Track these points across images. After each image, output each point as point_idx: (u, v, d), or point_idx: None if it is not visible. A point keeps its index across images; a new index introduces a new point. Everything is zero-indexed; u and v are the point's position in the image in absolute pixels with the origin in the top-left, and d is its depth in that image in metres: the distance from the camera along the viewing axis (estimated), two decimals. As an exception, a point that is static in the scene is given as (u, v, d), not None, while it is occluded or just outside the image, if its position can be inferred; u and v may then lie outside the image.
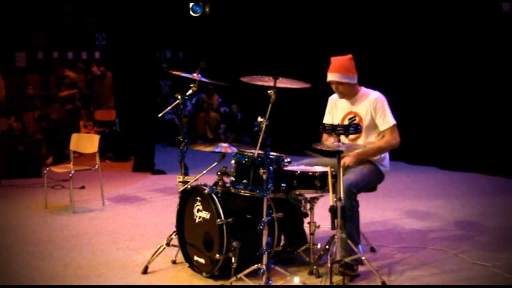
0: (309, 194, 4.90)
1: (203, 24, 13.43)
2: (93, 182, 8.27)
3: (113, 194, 8.07)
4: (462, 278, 4.77)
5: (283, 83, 4.53)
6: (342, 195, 4.39)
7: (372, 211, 6.95)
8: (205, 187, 4.79)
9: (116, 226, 6.48)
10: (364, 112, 5.06)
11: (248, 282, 4.44)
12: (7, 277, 4.92)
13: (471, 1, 9.60)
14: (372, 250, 5.48)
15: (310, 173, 4.72)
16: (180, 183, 5.08)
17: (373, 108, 5.01)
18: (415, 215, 6.93)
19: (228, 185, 4.84)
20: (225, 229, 4.56)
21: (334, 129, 4.46)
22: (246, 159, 4.61)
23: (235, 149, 4.83)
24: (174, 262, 5.15)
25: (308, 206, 5.01)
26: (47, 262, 5.26)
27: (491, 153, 9.50)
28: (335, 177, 4.57)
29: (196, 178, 5.01)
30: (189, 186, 4.97)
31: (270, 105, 4.32)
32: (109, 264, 5.19)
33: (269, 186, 4.35)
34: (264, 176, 4.32)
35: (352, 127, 4.43)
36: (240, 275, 4.45)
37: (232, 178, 4.72)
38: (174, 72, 5.34)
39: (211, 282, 4.72)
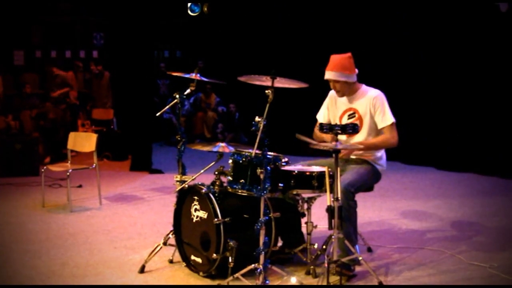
0: (306, 194, 4.90)
1: (201, 24, 13.41)
2: (91, 181, 8.26)
3: (111, 193, 8.07)
4: (459, 279, 4.78)
5: (281, 83, 4.53)
6: (339, 195, 4.40)
7: (369, 211, 6.96)
8: (202, 187, 4.79)
9: (113, 225, 6.48)
10: (363, 109, 5.06)
11: (245, 281, 4.44)
12: (4, 275, 4.91)
13: (470, 1, 9.60)
14: (369, 250, 5.48)
15: (308, 173, 4.72)
16: (178, 183, 5.07)
17: (373, 106, 5.01)
18: (412, 215, 6.94)
19: (225, 184, 4.84)
20: (222, 228, 4.56)
21: (331, 129, 4.46)
22: (244, 159, 4.62)
23: (232, 149, 4.83)
24: (171, 261, 5.15)
25: (306, 206, 5.01)
26: (44, 260, 5.26)
27: (488, 153, 9.50)
28: (332, 177, 4.57)
29: (193, 178, 5.01)
30: (186, 186, 4.97)
31: (268, 105, 4.32)
32: (106, 263, 5.19)
33: (266, 186, 4.35)
34: (262, 176, 4.32)
35: (350, 127, 4.43)
36: (237, 274, 4.45)
37: (230, 178, 4.73)
38: (173, 73, 5.35)
39: (208, 281, 4.72)
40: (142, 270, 4.93)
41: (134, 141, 10.19)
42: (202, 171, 5.02)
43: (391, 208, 7.22)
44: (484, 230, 6.29)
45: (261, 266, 4.35)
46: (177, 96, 5.09)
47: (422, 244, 5.73)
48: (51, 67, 11.95)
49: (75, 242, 5.81)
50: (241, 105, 12.74)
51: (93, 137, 7.40)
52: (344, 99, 5.18)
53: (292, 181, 4.70)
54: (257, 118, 4.27)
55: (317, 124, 5.27)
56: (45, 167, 7.46)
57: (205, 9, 12.45)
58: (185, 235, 4.99)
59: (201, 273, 4.78)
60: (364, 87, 5.15)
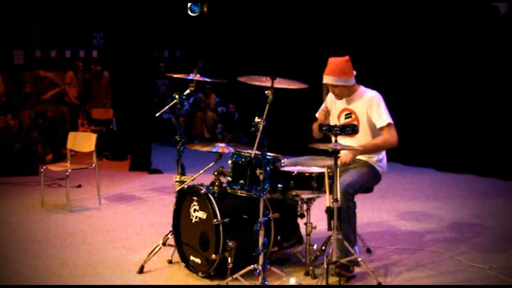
0: (305, 195, 4.90)
1: (201, 24, 13.42)
2: (90, 180, 8.26)
3: (110, 193, 8.07)
4: (459, 280, 4.78)
5: (280, 83, 4.53)
6: (338, 196, 4.39)
7: (369, 212, 6.96)
8: (201, 187, 4.78)
9: (112, 225, 6.48)
10: (360, 110, 5.06)
11: (244, 282, 4.44)
12: (3, 275, 4.90)
13: (470, 2, 9.60)
14: (368, 251, 5.48)
15: (307, 174, 4.72)
16: (177, 183, 5.07)
17: (369, 107, 5.01)
18: (412, 216, 6.94)
19: (224, 185, 4.84)
20: (222, 229, 4.56)
21: (330, 130, 4.45)
22: (243, 159, 4.62)
23: (232, 149, 4.83)
24: (170, 261, 5.15)
25: (305, 206, 5.01)
26: (43, 260, 5.25)
27: (488, 154, 9.51)
28: (331, 178, 4.57)
29: (193, 178, 5.01)
30: (185, 186, 4.96)
31: (267, 105, 4.32)
32: (105, 263, 5.18)
33: (265, 187, 4.35)
34: (261, 177, 4.32)
35: (349, 127, 4.43)
36: (236, 275, 4.45)
37: (229, 178, 4.73)
38: (173, 75, 5.35)
39: (207, 282, 4.72)
40: (141, 270, 4.93)
41: (133, 141, 10.19)
42: (201, 171, 5.02)
43: (390, 209, 7.22)
44: (484, 231, 6.29)
45: (260, 267, 4.34)
46: (177, 96, 5.08)
47: (421, 245, 5.73)
48: (36, 69, 11.87)
49: (74, 242, 5.81)
50: (241, 106, 12.74)
51: (93, 137, 7.39)
52: (342, 99, 5.18)
53: (292, 182, 4.70)
54: (256, 119, 4.27)
55: (317, 122, 5.28)
56: (44, 167, 7.45)
57: (205, 9, 12.46)
58: (184, 236, 4.98)
59: (200, 274, 4.77)
60: (361, 88, 5.15)
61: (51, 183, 8.47)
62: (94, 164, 7.36)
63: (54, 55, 15.00)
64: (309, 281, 4.75)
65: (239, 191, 4.64)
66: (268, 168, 4.42)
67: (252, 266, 4.39)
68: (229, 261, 4.54)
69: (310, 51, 10.54)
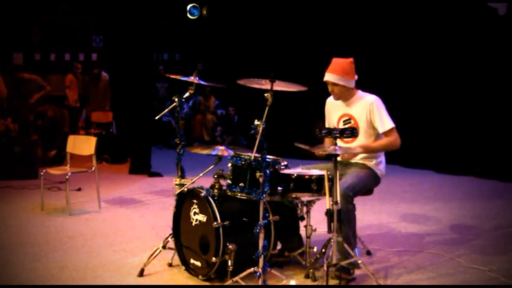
0: (305, 198, 4.90)
1: (200, 26, 13.42)
2: (90, 184, 8.25)
3: (110, 196, 8.06)
4: (458, 282, 4.78)
5: (280, 86, 4.53)
6: (338, 199, 4.39)
7: (369, 214, 6.96)
8: (201, 190, 4.78)
9: (112, 228, 6.47)
10: (359, 115, 5.05)
11: (244, 285, 4.44)
12: (3, 278, 4.90)
13: (469, 3, 9.61)
14: (369, 253, 5.48)
15: (307, 177, 4.73)
16: (177, 186, 5.07)
17: (370, 111, 5.00)
18: (412, 218, 6.94)
19: (224, 188, 4.84)
20: (222, 232, 4.56)
21: (330, 133, 4.46)
22: (243, 162, 4.62)
23: (231, 152, 4.82)
24: (170, 264, 5.15)
25: (305, 209, 5.01)
26: (43, 263, 5.25)
27: (487, 156, 9.51)
28: (331, 180, 4.57)
29: (192, 181, 5.01)
30: (185, 189, 4.96)
31: (267, 108, 4.32)
32: (105, 266, 5.18)
33: (265, 189, 4.35)
34: (261, 179, 4.32)
35: (348, 131, 4.43)
36: (236, 278, 4.45)
37: (229, 181, 4.73)
38: (172, 76, 5.34)
39: (207, 285, 4.71)
40: (141, 274, 4.93)
41: (133, 144, 10.19)
42: (201, 174, 5.02)
43: (390, 212, 7.22)
44: (483, 233, 6.29)
45: (260, 270, 4.35)
46: (176, 99, 5.09)
47: (421, 247, 5.73)
48: (21, 73, 11.79)
49: (74, 245, 5.80)
50: (240, 108, 12.74)
51: (92, 140, 7.39)
52: (340, 104, 5.18)
53: (291, 185, 4.70)
54: (256, 121, 4.27)
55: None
56: (44, 170, 7.45)
57: (204, 12, 12.46)
58: (184, 239, 4.98)
59: (200, 277, 4.77)
60: (360, 92, 5.14)
61: (51, 186, 8.47)
62: (94, 167, 7.35)
63: (53, 58, 14.99)
64: (309, 283, 4.75)
65: (239, 194, 4.64)
66: (267, 170, 4.42)
67: (252, 268, 4.39)
68: (229, 264, 4.53)
69: (309, 53, 10.55)
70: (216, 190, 4.81)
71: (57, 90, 13.69)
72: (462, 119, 9.82)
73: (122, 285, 4.75)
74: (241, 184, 4.60)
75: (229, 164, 4.75)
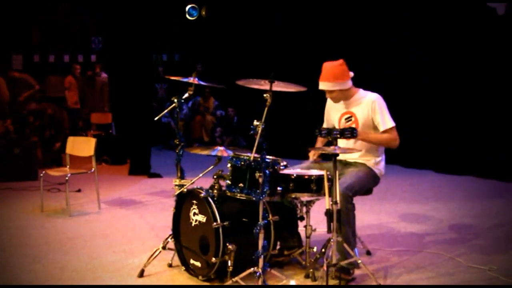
0: (305, 198, 4.91)
1: (199, 27, 13.43)
2: (89, 185, 8.26)
3: (109, 198, 8.07)
4: (458, 282, 4.78)
5: (279, 86, 4.54)
6: (338, 199, 4.40)
7: (368, 214, 6.96)
8: (201, 191, 4.79)
9: (112, 229, 6.47)
10: (361, 113, 5.05)
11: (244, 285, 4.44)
12: (3, 280, 4.90)
13: (468, 3, 9.62)
14: (368, 253, 5.49)
15: (306, 177, 4.73)
16: (176, 186, 5.07)
17: (372, 110, 4.99)
18: (411, 218, 6.94)
19: (224, 188, 4.84)
20: (221, 232, 4.56)
21: (330, 133, 4.46)
22: (242, 163, 4.62)
23: (231, 153, 4.83)
24: (170, 265, 5.15)
25: (304, 209, 5.02)
26: (43, 265, 5.25)
27: (487, 156, 9.52)
28: (331, 180, 4.57)
29: (192, 182, 5.01)
30: (185, 190, 4.97)
31: (266, 109, 4.32)
32: (105, 267, 5.18)
33: (265, 190, 4.35)
34: (260, 180, 4.32)
35: (348, 131, 4.43)
36: (236, 278, 4.45)
37: (228, 182, 4.73)
38: (171, 77, 5.35)
39: (207, 285, 4.71)
40: (141, 274, 4.93)
41: (132, 145, 10.20)
42: (200, 175, 5.02)
43: (390, 211, 7.23)
44: (483, 232, 6.30)
45: (260, 270, 4.35)
46: (175, 100, 5.09)
47: (421, 247, 5.73)
48: (11, 72, 11.77)
49: (74, 247, 5.80)
50: (240, 109, 12.75)
51: (92, 141, 7.39)
52: (341, 103, 5.18)
53: (291, 185, 4.71)
54: (255, 122, 4.28)
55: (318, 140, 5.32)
56: (43, 172, 7.45)
57: (203, 12, 12.47)
58: (184, 239, 4.98)
59: (200, 277, 4.78)
60: (361, 91, 5.13)
61: (50, 188, 8.47)
62: (93, 169, 7.36)
63: (52, 59, 15.00)
64: (309, 283, 4.75)
65: (238, 194, 4.64)
66: (267, 171, 4.42)
67: (252, 269, 4.39)
68: (229, 264, 4.53)
69: (309, 53, 10.55)
70: (215, 191, 4.81)
71: (56, 92, 13.72)
72: (461, 119, 9.83)
73: (122, 285, 4.75)
74: (241, 185, 4.60)
75: (229, 165, 4.75)
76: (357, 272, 4.84)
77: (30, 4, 14.29)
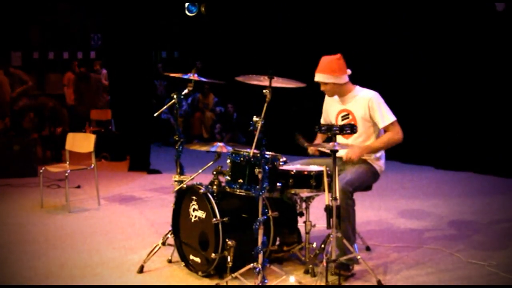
0: (304, 193, 4.91)
1: (199, 24, 13.43)
2: (89, 181, 8.26)
3: (109, 194, 8.07)
4: (458, 277, 4.78)
5: (278, 82, 4.53)
6: (337, 194, 4.40)
7: (368, 210, 6.96)
8: (200, 187, 4.79)
9: (111, 225, 6.48)
10: (358, 110, 5.04)
11: (244, 281, 4.44)
12: (3, 276, 4.90)
13: (467, 1, 9.61)
14: (368, 249, 5.49)
15: (306, 173, 4.73)
16: (176, 183, 5.07)
17: (370, 107, 4.99)
18: (411, 214, 6.94)
19: (223, 184, 4.84)
20: (221, 228, 4.56)
21: (329, 129, 4.46)
22: (242, 159, 4.62)
23: (230, 149, 4.83)
24: (169, 261, 5.15)
25: (304, 205, 5.02)
26: (42, 261, 5.25)
27: (487, 152, 9.52)
28: (330, 176, 4.57)
29: (191, 178, 5.01)
30: (184, 186, 4.97)
31: (265, 105, 4.32)
32: (104, 263, 5.18)
33: (264, 186, 4.35)
34: (260, 176, 4.32)
35: (348, 127, 4.43)
36: (236, 274, 4.45)
37: (228, 178, 4.73)
38: (171, 74, 5.35)
39: (206, 281, 4.72)
40: (141, 270, 4.93)
41: (132, 141, 10.20)
42: (200, 171, 5.02)
43: (389, 207, 7.23)
44: (483, 228, 6.30)
45: (259, 266, 4.34)
46: (175, 96, 5.08)
47: (421, 243, 5.73)
48: (9, 67, 11.75)
49: (74, 243, 5.81)
50: (239, 105, 12.75)
51: (91, 137, 7.39)
52: (338, 100, 5.18)
53: (290, 181, 4.71)
54: (255, 118, 4.27)
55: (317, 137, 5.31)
56: (43, 168, 7.45)
57: (203, 9, 12.47)
58: (183, 235, 4.99)
59: (199, 273, 4.78)
60: (358, 88, 5.13)
61: (50, 184, 8.48)
62: (93, 165, 7.36)
63: (52, 56, 14.99)
64: (308, 279, 4.75)
65: (238, 190, 4.64)
66: (266, 167, 4.41)
67: (251, 265, 4.39)
68: (229, 260, 4.54)
69: (308, 50, 10.52)
70: (215, 187, 4.82)
71: (56, 89, 13.73)
72: (461, 116, 9.83)
73: (122, 285, 4.75)
74: (240, 181, 4.60)
75: (228, 161, 4.75)
76: (356, 267, 4.84)
77: (29, 4, 14.29)
